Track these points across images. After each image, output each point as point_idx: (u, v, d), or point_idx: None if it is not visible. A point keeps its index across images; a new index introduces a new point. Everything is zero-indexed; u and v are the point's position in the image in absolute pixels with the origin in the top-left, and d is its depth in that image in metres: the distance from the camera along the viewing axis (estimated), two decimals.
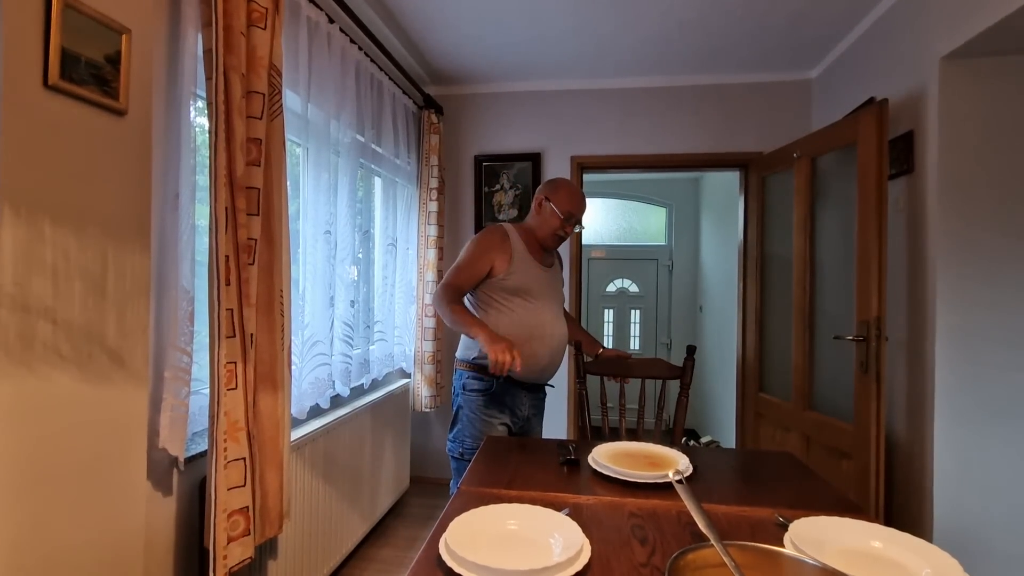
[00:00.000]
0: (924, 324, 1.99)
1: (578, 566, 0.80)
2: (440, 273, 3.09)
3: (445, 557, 0.81)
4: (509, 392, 1.79)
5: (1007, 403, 1.88)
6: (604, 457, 1.29)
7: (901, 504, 2.10)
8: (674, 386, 3.74)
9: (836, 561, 0.81)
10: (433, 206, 3.05)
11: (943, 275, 1.92)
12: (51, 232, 0.99)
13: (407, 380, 3.03)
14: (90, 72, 1.04)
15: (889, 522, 2.09)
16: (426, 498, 3.09)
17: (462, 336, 1.85)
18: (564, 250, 3.19)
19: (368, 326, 2.57)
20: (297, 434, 1.85)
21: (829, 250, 2.40)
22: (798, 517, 0.96)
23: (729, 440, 3.66)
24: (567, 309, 2.37)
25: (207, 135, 1.33)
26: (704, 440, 4.33)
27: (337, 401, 2.24)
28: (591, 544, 0.89)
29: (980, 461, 1.89)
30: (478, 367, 1.79)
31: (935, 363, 1.92)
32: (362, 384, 2.47)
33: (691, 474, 1.25)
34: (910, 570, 0.81)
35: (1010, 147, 1.89)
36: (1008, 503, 1.87)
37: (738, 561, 0.63)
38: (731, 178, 3.68)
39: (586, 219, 4.29)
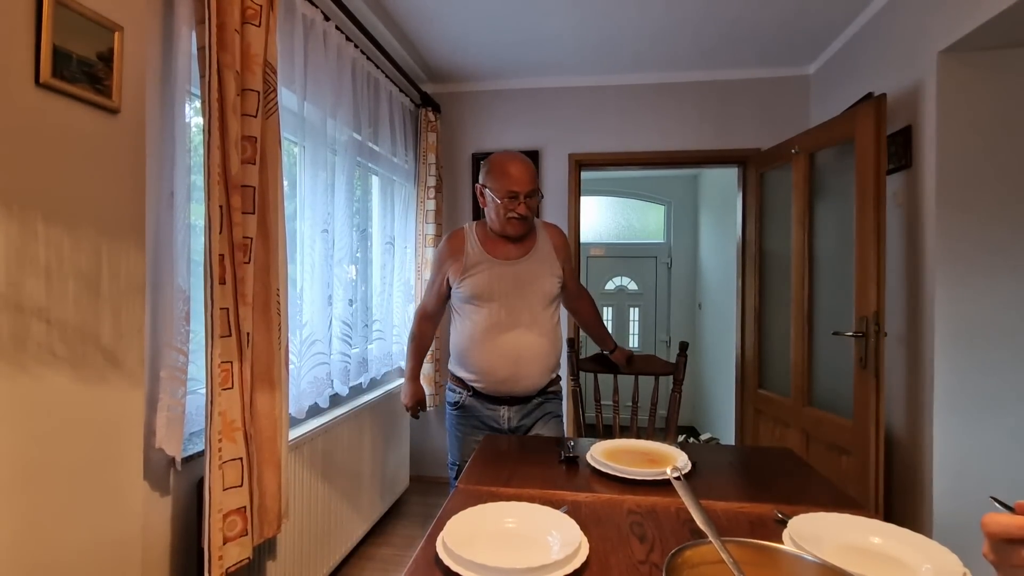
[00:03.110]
0: (923, 319, 1.99)
1: (576, 563, 0.80)
2: None
3: (443, 555, 0.81)
4: (483, 405, 1.72)
5: (1006, 398, 1.87)
6: (602, 454, 1.29)
7: (900, 500, 2.09)
8: (669, 383, 3.72)
9: (835, 557, 0.80)
10: (431, 204, 3.04)
11: (942, 270, 1.92)
12: (44, 231, 0.98)
13: None
14: (82, 70, 1.03)
15: (888, 518, 2.09)
16: (425, 497, 3.08)
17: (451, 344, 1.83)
18: None
19: (367, 325, 2.56)
20: (296, 433, 1.85)
21: (828, 246, 2.39)
22: (797, 513, 0.95)
23: (729, 437, 3.65)
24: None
25: (203, 134, 1.32)
26: (704, 437, 4.33)
27: (336, 400, 2.24)
28: (589, 541, 0.89)
29: (979, 456, 1.88)
30: (455, 379, 1.78)
31: (934, 358, 1.92)
32: (361, 383, 2.47)
33: (690, 471, 1.25)
34: (910, 566, 0.81)
35: (1009, 141, 1.88)
36: (1008, 498, 1.87)
37: (737, 558, 0.63)
38: (729, 175, 3.68)
39: (584, 217, 4.26)
